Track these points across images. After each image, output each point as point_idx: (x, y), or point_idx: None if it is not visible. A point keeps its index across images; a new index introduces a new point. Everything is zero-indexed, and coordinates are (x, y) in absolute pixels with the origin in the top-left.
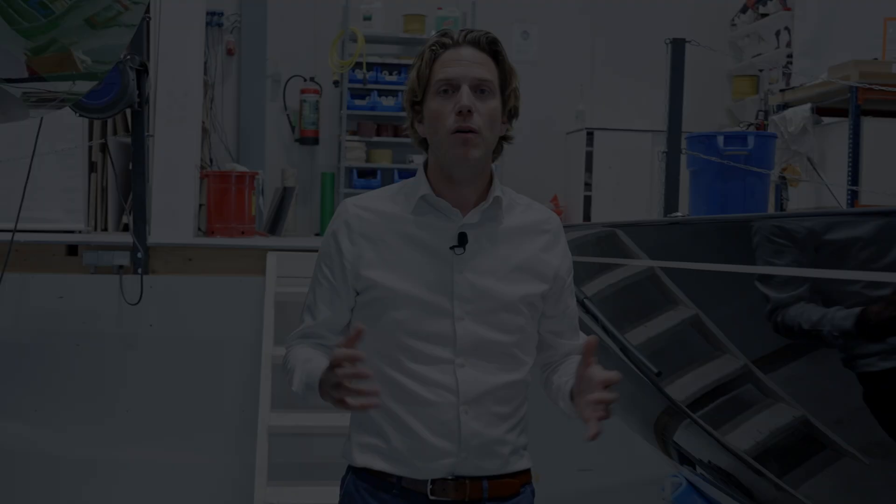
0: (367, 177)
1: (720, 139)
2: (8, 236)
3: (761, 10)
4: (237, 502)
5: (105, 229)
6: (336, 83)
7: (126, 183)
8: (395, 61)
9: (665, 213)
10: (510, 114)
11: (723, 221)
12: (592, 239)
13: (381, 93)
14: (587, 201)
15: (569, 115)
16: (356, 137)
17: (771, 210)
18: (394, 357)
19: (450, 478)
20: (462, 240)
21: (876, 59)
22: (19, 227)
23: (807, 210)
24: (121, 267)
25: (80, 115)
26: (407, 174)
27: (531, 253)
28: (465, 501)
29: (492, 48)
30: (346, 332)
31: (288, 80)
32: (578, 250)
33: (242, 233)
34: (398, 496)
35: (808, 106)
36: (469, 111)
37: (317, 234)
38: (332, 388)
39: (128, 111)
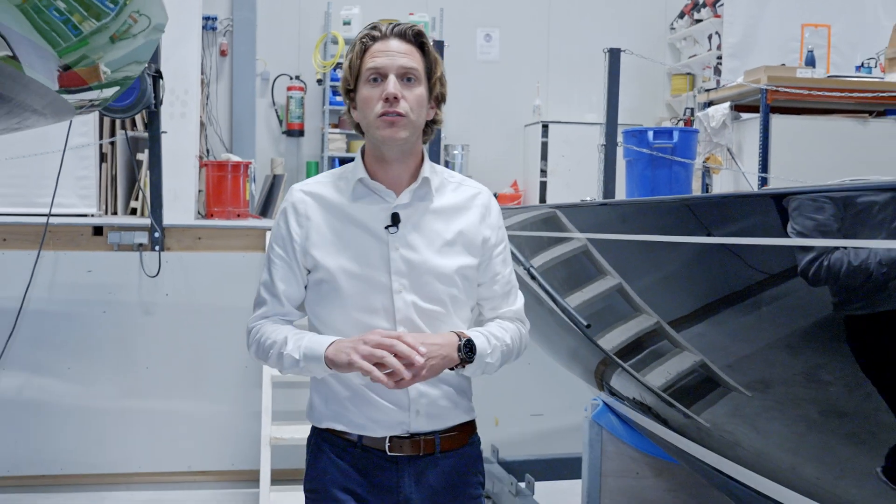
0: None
1: (650, 134)
2: (42, 220)
3: (696, 16)
4: (244, 440)
5: (115, 213)
6: (319, 81)
7: (132, 171)
8: None
9: (603, 197)
10: (437, 99)
11: (637, 203)
12: (539, 218)
13: None
14: (543, 186)
15: (527, 109)
16: (337, 130)
17: (695, 193)
18: (340, 329)
19: (405, 435)
20: (395, 219)
21: (783, 64)
22: (38, 211)
23: (724, 193)
24: (140, 245)
25: (106, 115)
26: None
27: (462, 227)
28: (421, 455)
29: (417, 39)
30: (302, 309)
31: (276, 79)
32: (529, 227)
33: (238, 215)
34: (360, 454)
35: (727, 104)
36: (395, 98)
37: None
38: (364, 345)
39: (145, 111)
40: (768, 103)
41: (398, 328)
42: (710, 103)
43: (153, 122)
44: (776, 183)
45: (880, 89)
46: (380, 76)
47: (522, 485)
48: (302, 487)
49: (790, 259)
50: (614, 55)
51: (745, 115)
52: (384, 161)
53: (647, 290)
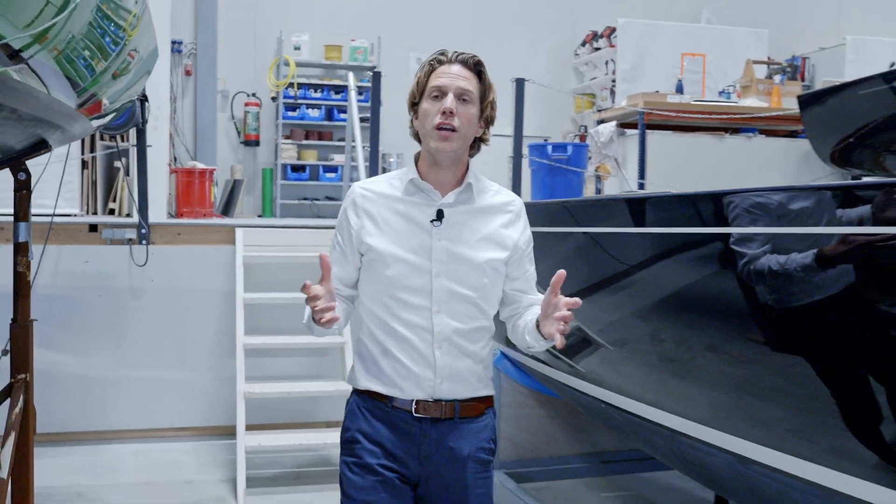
0: (298, 171)
1: (549, 148)
2: (45, 219)
3: (595, 45)
4: (218, 401)
5: (95, 213)
6: (273, 98)
7: (110, 177)
8: (319, 82)
9: None
10: (487, 121)
11: (528, 204)
12: None
13: (309, 106)
14: None
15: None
16: (289, 141)
17: (587, 195)
18: (386, 304)
19: (430, 399)
20: (439, 215)
21: (658, 91)
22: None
23: (602, 196)
24: (130, 239)
25: (104, 133)
26: (329, 168)
27: (496, 227)
28: (442, 419)
29: (476, 68)
30: (353, 287)
31: (234, 96)
32: None
33: (204, 215)
34: (390, 413)
35: (614, 123)
36: (451, 112)
37: (259, 216)
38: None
39: (134, 129)
40: (645, 123)
41: (433, 307)
42: (601, 121)
43: (140, 138)
44: (651, 187)
45: (734, 112)
46: (441, 93)
47: None
48: (267, 432)
49: (641, 247)
50: (520, 84)
51: (628, 132)
52: (436, 166)
53: (538, 272)
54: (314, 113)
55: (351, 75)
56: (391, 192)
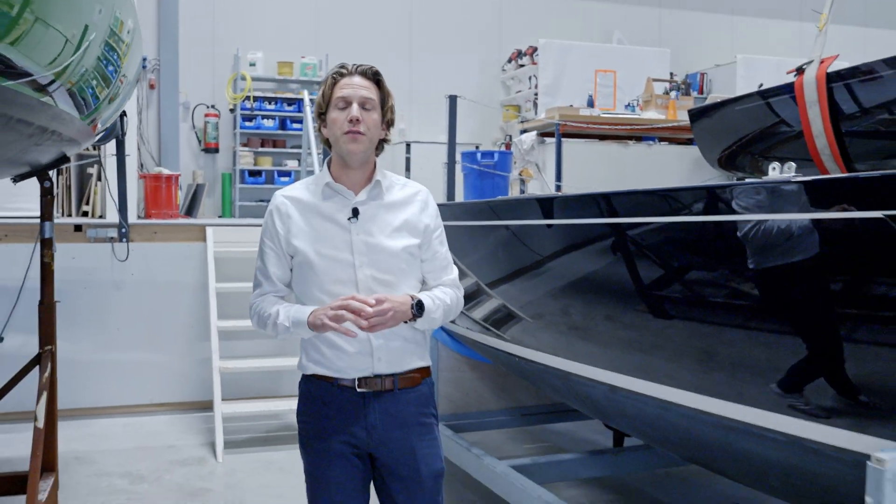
0: (254, 176)
1: (478, 154)
2: (35, 221)
3: (519, 62)
4: (193, 378)
5: (70, 215)
6: (231, 110)
7: (82, 183)
8: (273, 95)
9: (447, 199)
10: (388, 123)
11: (456, 204)
12: None
13: (264, 117)
14: None
15: (393, 131)
16: (246, 148)
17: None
18: (320, 299)
19: (371, 375)
20: (355, 213)
21: (572, 105)
22: (6, 214)
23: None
24: (111, 238)
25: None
26: (283, 173)
27: (407, 217)
28: (383, 391)
29: (375, 77)
30: (290, 287)
31: (195, 107)
32: None
33: (171, 216)
34: (336, 392)
35: (534, 133)
36: (357, 120)
37: (220, 217)
38: (331, 310)
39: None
40: (561, 133)
41: (361, 293)
42: (524, 131)
43: (120, 148)
44: (566, 189)
45: (636, 123)
46: (346, 103)
47: None
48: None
49: (551, 238)
50: (452, 100)
51: (547, 140)
52: (347, 168)
53: (471, 261)
54: (269, 123)
55: (305, 92)
56: (309, 196)
